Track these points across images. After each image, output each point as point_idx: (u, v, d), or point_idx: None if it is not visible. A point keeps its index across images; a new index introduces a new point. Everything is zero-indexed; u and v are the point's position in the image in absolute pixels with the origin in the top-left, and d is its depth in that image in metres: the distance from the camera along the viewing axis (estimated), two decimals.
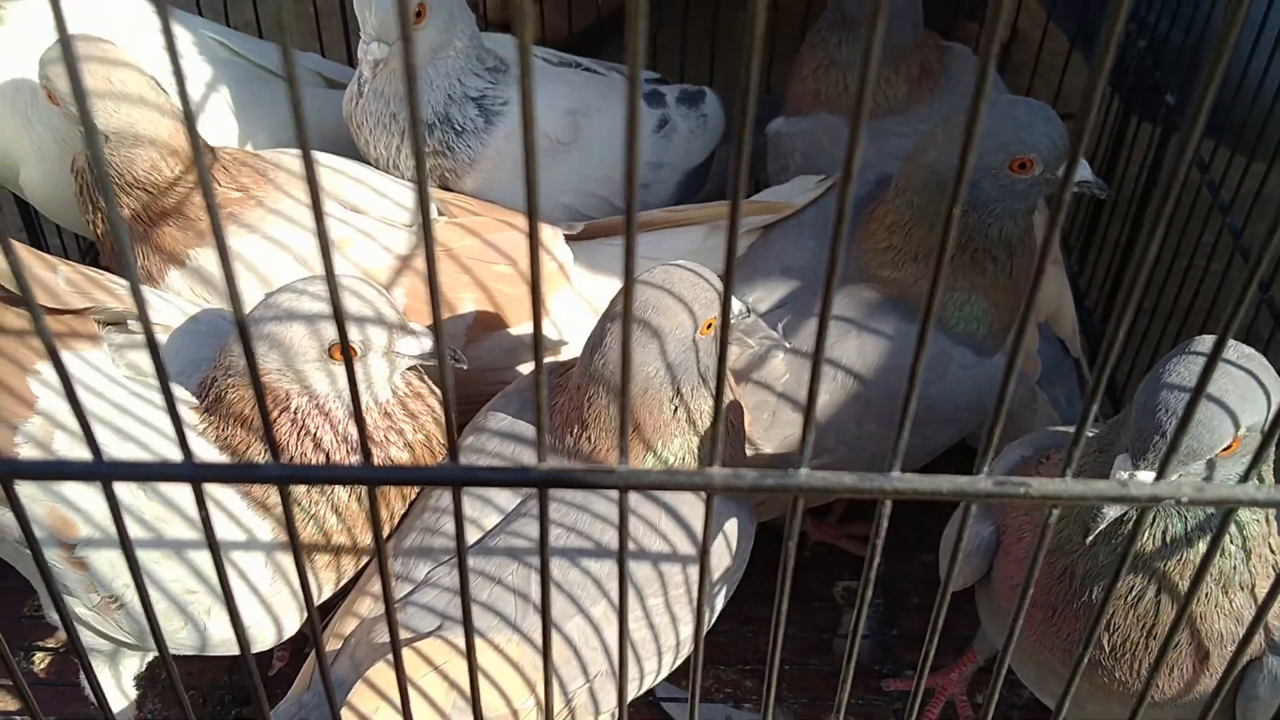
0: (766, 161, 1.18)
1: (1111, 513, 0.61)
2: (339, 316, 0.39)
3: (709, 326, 0.76)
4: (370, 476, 0.39)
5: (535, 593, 0.73)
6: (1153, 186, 1.23)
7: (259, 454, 0.75)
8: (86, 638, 0.83)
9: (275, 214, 0.92)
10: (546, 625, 0.43)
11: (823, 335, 0.43)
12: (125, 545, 0.42)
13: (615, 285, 0.98)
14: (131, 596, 0.76)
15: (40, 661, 1.06)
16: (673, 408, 0.76)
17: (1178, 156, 0.36)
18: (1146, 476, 0.57)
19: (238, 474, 0.48)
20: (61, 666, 1.06)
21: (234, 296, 0.40)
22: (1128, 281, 0.35)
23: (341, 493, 0.77)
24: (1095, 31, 1.26)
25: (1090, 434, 0.75)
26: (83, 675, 0.93)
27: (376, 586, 0.78)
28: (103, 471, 0.40)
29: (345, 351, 0.37)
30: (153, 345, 0.37)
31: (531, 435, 0.80)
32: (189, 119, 0.35)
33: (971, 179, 0.85)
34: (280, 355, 0.74)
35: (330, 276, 0.39)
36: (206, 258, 0.90)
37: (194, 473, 0.39)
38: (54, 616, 0.84)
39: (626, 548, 0.40)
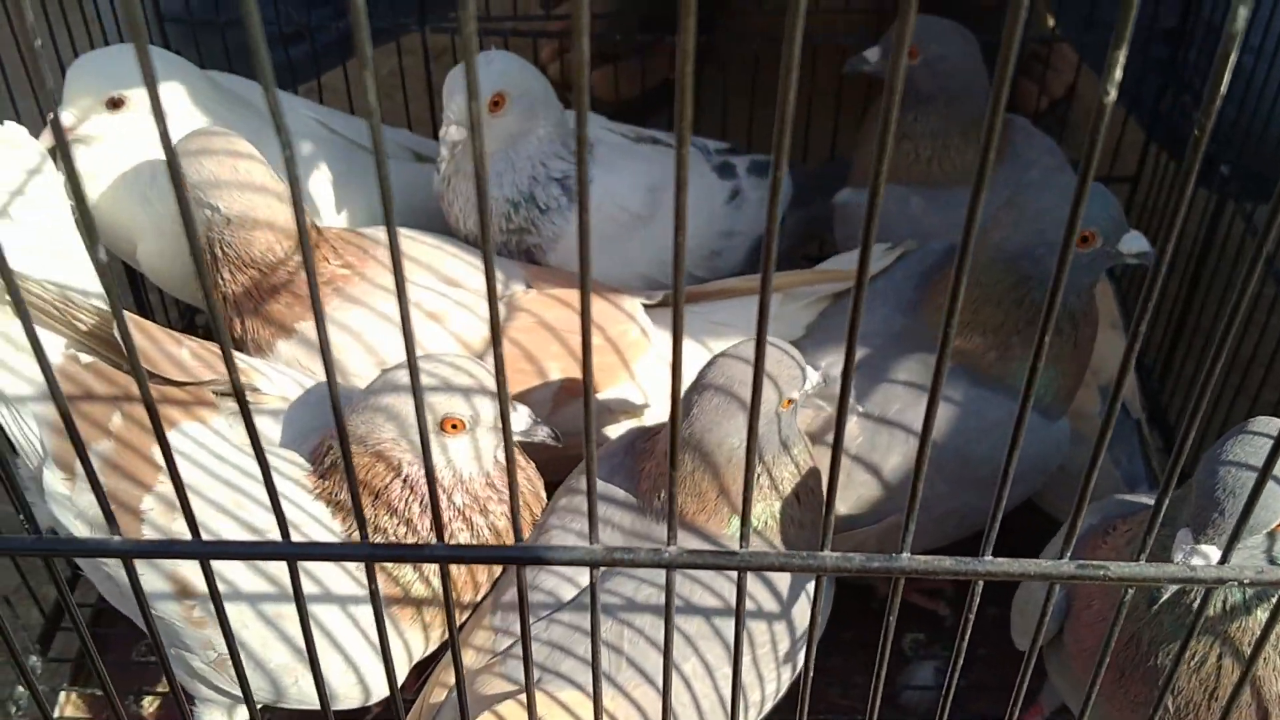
0: (834, 230, 1.23)
1: (1175, 586, 0.66)
2: (502, 396, 0.44)
3: (790, 402, 0.81)
4: (520, 556, 0.45)
5: (629, 648, 0.78)
6: (1210, 247, 1.27)
7: (372, 516, 0.81)
8: (201, 690, 0.88)
9: (379, 288, 0.98)
10: (667, 692, 0.48)
11: (933, 410, 0.48)
12: (303, 618, 0.47)
13: (696, 350, 1.04)
14: (249, 653, 0.81)
15: (149, 705, 1.13)
16: (770, 480, 0.81)
17: (1250, 266, 0.40)
18: (1211, 552, 0.62)
19: (407, 554, 0.54)
20: (169, 710, 1.12)
21: (411, 363, 0.45)
22: (1195, 397, 0.40)
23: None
24: (1147, 102, 1.30)
25: (1149, 501, 0.79)
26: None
27: (478, 639, 0.84)
28: (290, 552, 0.46)
29: (505, 426, 0.42)
30: (343, 445, 0.43)
31: (621, 497, 0.86)
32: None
33: (1037, 255, 0.90)
34: (396, 426, 0.80)
35: (498, 354, 0.44)
36: (314, 329, 0.97)
37: (370, 552, 0.45)
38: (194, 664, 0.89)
39: (744, 622, 0.45)
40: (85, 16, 1.23)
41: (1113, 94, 0.31)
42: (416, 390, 0.44)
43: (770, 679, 0.82)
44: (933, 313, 0.99)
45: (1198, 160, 0.34)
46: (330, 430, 0.84)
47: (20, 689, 1.11)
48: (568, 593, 0.83)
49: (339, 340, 0.96)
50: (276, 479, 0.82)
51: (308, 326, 0.97)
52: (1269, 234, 0.39)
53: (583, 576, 0.83)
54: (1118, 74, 0.31)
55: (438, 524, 0.45)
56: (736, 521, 0.82)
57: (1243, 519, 0.42)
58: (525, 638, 0.49)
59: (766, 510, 0.82)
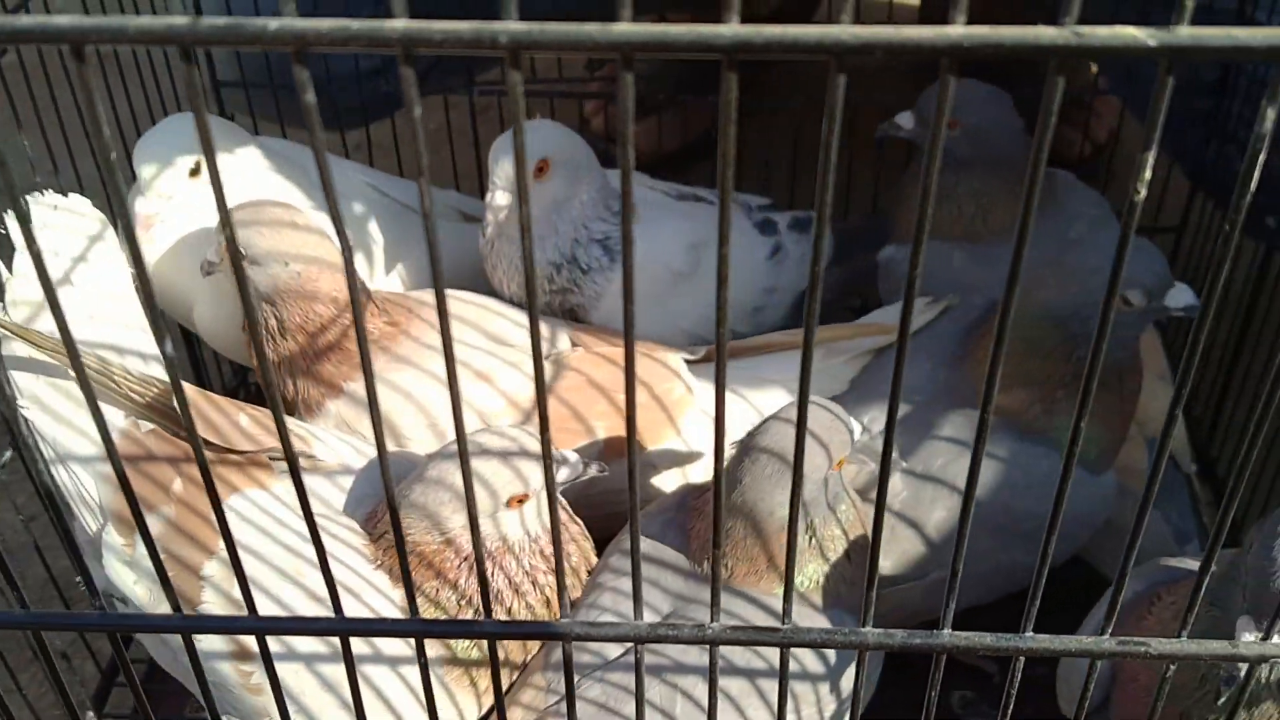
0: (878, 285, 1.24)
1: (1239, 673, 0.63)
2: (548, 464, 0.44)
3: (840, 464, 0.82)
4: (566, 633, 0.46)
5: (678, 710, 0.79)
6: (1258, 297, 1.27)
7: (432, 587, 0.82)
8: None
9: (426, 346, 1.00)
10: None
11: (975, 472, 0.49)
12: (355, 695, 0.49)
13: (740, 405, 1.05)
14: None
15: None
16: (807, 538, 0.82)
17: None
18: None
19: (457, 630, 0.55)
20: None
21: (461, 444, 0.47)
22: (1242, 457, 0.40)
23: None
24: (1191, 152, 1.30)
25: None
26: None
27: (525, 696, 0.84)
28: (343, 628, 0.47)
29: (552, 503, 0.43)
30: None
31: (670, 558, 0.86)
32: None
33: (1084, 315, 0.90)
34: (463, 514, 0.81)
35: (543, 415, 0.45)
36: (363, 389, 0.99)
37: (421, 629, 0.46)
38: None
39: (787, 697, 0.46)
40: (144, 83, 1.26)
41: (1143, 193, 0.32)
42: (469, 487, 0.45)
43: None
44: (975, 367, 0.99)
45: (1231, 246, 0.35)
46: (381, 502, 0.86)
47: None
48: (614, 651, 0.83)
49: (389, 400, 0.98)
50: (338, 547, 0.85)
51: (357, 386, 0.99)
52: None
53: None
54: (1147, 174, 0.32)
55: (485, 600, 0.46)
56: (779, 587, 0.83)
57: None
58: (570, 708, 0.49)
59: (817, 570, 0.83)
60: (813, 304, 0.41)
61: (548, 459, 0.47)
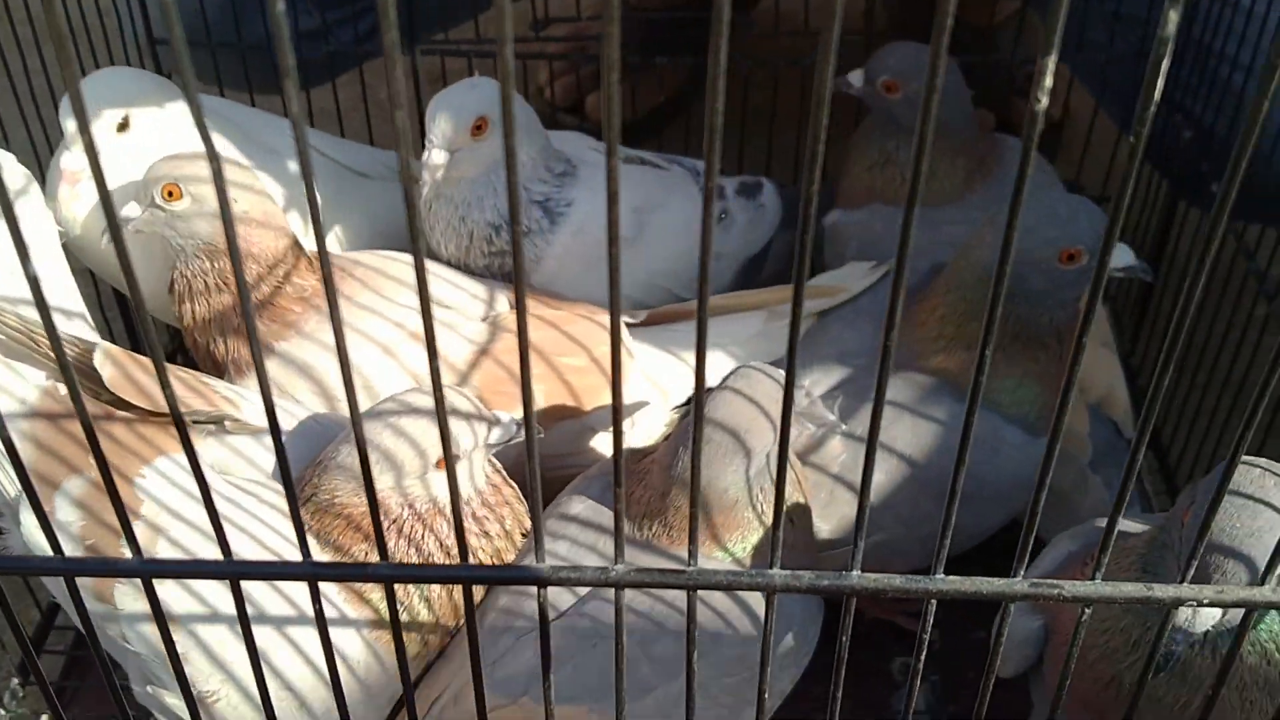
0: (824, 250, 1.23)
1: (1180, 649, 0.61)
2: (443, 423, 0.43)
3: None
4: (467, 576, 0.44)
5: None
6: (1203, 268, 1.26)
7: (361, 550, 0.80)
8: None
9: (359, 306, 0.98)
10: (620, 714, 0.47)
11: (875, 427, 0.47)
12: (248, 638, 0.47)
13: (680, 367, 1.04)
14: (228, 692, 0.81)
15: None
16: (756, 512, 0.82)
17: (1207, 240, 0.39)
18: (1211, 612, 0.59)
19: (351, 573, 0.54)
20: None
21: (353, 409, 0.45)
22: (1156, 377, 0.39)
23: (433, 585, 0.82)
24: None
25: (1138, 528, 0.78)
26: None
27: (464, 653, 0.83)
28: (231, 571, 0.45)
29: (449, 463, 0.42)
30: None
31: (609, 522, 0.85)
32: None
33: (1021, 273, 0.89)
34: (391, 473, 0.80)
35: (437, 388, 0.43)
36: (297, 346, 0.97)
37: (312, 571, 0.44)
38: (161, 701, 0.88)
39: (694, 643, 0.45)
40: (82, 61, 1.23)
41: (1044, 101, 0.31)
42: (363, 452, 0.44)
43: (753, 702, 0.81)
44: (916, 330, 0.98)
45: (1135, 166, 0.34)
46: (310, 465, 0.84)
47: (2, 712, 1.10)
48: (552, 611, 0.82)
49: (321, 360, 0.96)
50: (264, 510, 0.83)
51: (288, 346, 0.96)
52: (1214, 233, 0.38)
53: (563, 600, 0.83)
54: (1048, 82, 0.31)
55: (380, 544, 0.45)
56: (721, 554, 0.82)
57: (1200, 535, 0.42)
58: (475, 657, 0.48)
59: (761, 541, 0.82)
60: (705, 253, 0.38)
61: (443, 422, 0.45)
